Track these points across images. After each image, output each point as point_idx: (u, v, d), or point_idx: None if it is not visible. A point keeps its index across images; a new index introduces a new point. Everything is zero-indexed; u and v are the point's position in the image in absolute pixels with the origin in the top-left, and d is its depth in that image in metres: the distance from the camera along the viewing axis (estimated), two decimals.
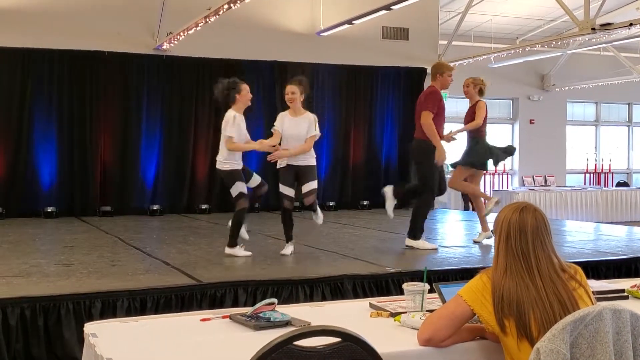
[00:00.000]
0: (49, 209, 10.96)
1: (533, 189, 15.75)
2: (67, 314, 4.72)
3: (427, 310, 2.76)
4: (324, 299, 5.40)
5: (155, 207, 11.59)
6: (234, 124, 6.54)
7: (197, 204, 11.91)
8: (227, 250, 6.71)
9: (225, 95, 6.68)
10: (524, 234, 2.40)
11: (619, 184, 18.13)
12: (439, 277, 5.76)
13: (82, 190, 11.32)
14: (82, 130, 11.33)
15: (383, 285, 5.66)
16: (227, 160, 6.63)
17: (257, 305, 2.73)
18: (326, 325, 2.01)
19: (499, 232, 2.46)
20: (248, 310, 2.77)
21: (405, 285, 2.84)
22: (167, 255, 6.74)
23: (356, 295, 5.51)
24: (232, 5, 8.93)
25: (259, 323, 2.64)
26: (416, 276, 5.75)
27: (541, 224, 2.42)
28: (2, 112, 10.92)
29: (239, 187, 6.62)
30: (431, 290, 2.90)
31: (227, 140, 6.56)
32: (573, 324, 2.03)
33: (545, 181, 16.88)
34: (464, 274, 6.00)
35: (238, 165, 6.68)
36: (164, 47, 11.44)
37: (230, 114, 6.61)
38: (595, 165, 18.72)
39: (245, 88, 6.72)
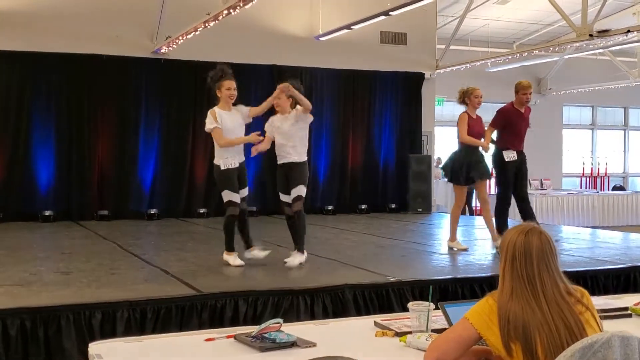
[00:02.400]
0: (47, 213, 10.94)
1: (529, 193, 15.74)
2: (67, 324, 4.70)
3: (432, 330, 2.76)
4: (324, 309, 5.40)
5: (152, 211, 11.58)
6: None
7: (195, 208, 11.90)
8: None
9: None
10: (530, 257, 2.40)
11: (615, 188, 18.18)
12: (439, 287, 5.77)
13: (79, 194, 11.31)
14: (79, 134, 11.31)
15: (384, 294, 5.65)
16: (219, 155, 6.48)
17: (263, 326, 2.72)
18: (337, 357, 2.00)
19: (504, 254, 2.46)
20: (253, 329, 2.77)
21: (410, 305, 2.84)
22: (165, 263, 6.72)
23: (357, 305, 5.51)
24: (231, 10, 8.92)
25: (265, 344, 2.64)
26: (417, 286, 5.77)
27: (547, 246, 2.42)
28: None
29: (226, 195, 6.45)
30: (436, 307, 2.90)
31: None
32: (581, 351, 2.03)
33: (542, 185, 16.91)
34: (464, 283, 6.01)
35: (231, 163, 6.49)
36: (163, 50, 11.43)
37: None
38: (592, 168, 18.79)
39: (224, 84, 6.58)
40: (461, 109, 8.05)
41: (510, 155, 7.60)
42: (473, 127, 7.59)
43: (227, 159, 6.45)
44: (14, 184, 10.96)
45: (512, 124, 7.61)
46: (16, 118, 10.98)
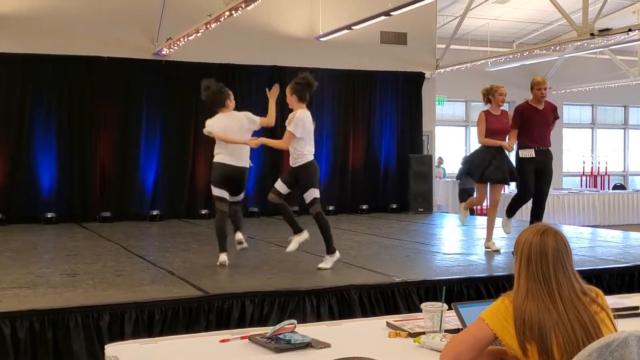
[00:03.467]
0: (49, 215, 10.95)
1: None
2: (76, 326, 4.72)
3: (445, 331, 2.78)
4: (330, 310, 5.42)
5: (154, 213, 11.60)
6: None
7: (196, 209, 11.92)
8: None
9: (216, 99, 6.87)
10: (545, 258, 2.40)
11: (615, 187, 18.21)
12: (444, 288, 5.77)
13: (81, 196, 11.33)
14: (81, 136, 11.33)
15: (389, 294, 5.67)
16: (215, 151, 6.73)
17: (277, 327, 2.73)
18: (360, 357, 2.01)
19: (519, 255, 2.46)
20: (267, 330, 2.78)
21: (423, 305, 2.85)
22: (171, 264, 6.74)
23: (362, 306, 5.52)
24: (233, 12, 8.93)
25: (280, 345, 2.65)
26: (422, 286, 5.79)
27: (562, 247, 2.42)
28: (1, 118, 10.91)
29: (214, 191, 6.69)
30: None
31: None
32: (599, 351, 2.05)
33: None
34: (469, 283, 6.03)
35: (227, 159, 6.64)
36: (164, 52, 11.44)
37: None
38: (592, 167, 18.81)
39: (230, 95, 6.85)
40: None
41: (527, 153, 7.56)
42: (495, 123, 7.49)
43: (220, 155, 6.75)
44: (16, 186, 10.97)
45: (527, 122, 7.53)
46: (18, 120, 10.99)
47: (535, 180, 7.61)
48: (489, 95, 7.61)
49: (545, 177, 7.67)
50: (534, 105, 7.60)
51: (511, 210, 7.81)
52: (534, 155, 7.51)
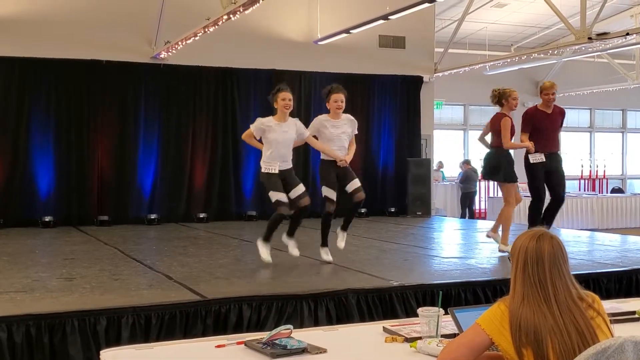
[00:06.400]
0: (47, 219, 10.94)
1: (528, 196, 15.75)
2: (73, 331, 4.70)
3: (442, 336, 2.77)
4: (328, 314, 5.41)
5: (152, 217, 11.58)
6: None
7: (194, 212, 11.91)
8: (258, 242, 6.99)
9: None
10: (541, 263, 2.40)
11: (613, 191, 18.21)
12: (443, 292, 5.76)
13: (79, 200, 11.32)
14: (79, 140, 11.32)
15: (387, 299, 5.65)
16: (262, 160, 6.71)
17: (273, 332, 2.73)
18: None
19: (516, 260, 2.47)
20: (263, 336, 2.78)
21: (420, 310, 2.85)
22: (168, 268, 6.72)
23: (360, 310, 5.51)
24: (231, 16, 8.93)
25: (276, 351, 2.64)
26: (420, 290, 5.78)
27: (558, 252, 2.43)
28: None
29: (273, 196, 6.61)
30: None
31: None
32: (595, 356, 2.04)
33: None
34: (467, 287, 6.02)
35: (272, 168, 6.65)
36: (162, 56, 11.44)
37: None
38: (590, 171, 18.81)
39: (279, 95, 6.70)
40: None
41: (537, 158, 7.52)
42: (512, 128, 7.47)
43: (269, 163, 6.70)
44: (14, 189, 10.97)
45: (537, 127, 7.49)
46: (16, 124, 10.99)
47: (548, 184, 7.59)
48: (502, 99, 7.52)
49: (558, 179, 7.64)
50: (543, 110, 7.57)
51: (535, 222, 7.62)
52: (544, 160, 7.49)
